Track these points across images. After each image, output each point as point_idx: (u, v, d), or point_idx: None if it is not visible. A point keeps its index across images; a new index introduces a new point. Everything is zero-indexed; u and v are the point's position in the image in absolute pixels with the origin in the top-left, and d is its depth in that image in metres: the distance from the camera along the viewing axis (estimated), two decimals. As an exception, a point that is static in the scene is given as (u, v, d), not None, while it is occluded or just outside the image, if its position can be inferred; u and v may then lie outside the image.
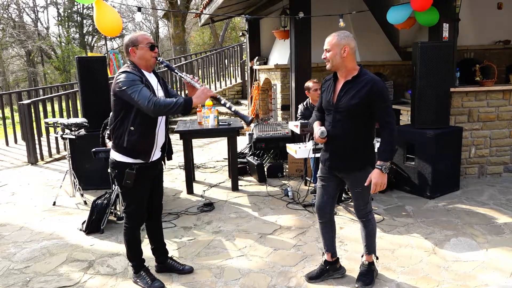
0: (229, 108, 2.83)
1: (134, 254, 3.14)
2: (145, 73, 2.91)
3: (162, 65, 3.01)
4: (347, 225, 4.13)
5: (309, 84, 5.09)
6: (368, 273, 3.07)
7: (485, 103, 5.41)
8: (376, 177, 2.76)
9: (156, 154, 3.01)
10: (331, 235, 3.15)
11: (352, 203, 3.18)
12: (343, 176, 2.98)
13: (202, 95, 2.78)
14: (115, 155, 2.94)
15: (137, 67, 2.88)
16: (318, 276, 3.15)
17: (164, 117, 2.99)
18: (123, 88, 2.73)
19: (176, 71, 3.03)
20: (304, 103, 5.22)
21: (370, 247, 3.08)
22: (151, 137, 2.93)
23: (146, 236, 3.34)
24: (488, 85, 5.40)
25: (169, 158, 3.38)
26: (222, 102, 2.84)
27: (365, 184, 2.81)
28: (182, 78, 2.95)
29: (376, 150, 2.92)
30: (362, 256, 3.15)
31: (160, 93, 2.96)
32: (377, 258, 3.14)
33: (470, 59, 7.04)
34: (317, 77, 7.67)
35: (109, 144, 4.68)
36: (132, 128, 2.83)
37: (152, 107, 2.67)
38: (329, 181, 3.02)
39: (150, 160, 2.96)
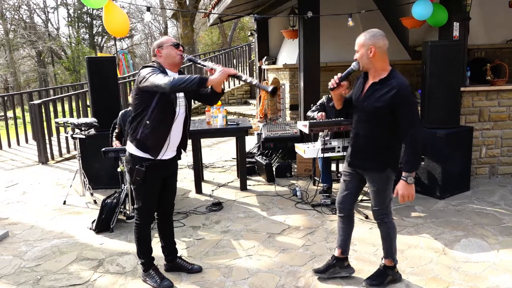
0: (251, 82, 2.89)
1: (144, 251, 3.17)
2: (169, 72, 2.96)
3: (186, 59, 3.08)
4: (357, 225, 4.09)
5: None
6: (379, 276, 3.04)
7: (496, 102, 5.35)
8: (402, 189, 2.74)
9: (167, 153, 3.04)
10: (346, 231, 3.15)
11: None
12: (363, 173, 2.98)
13: (220, 74, 2.79)
14: (129, 148, 3.03)
15: (162, 66, 2.95)
16: (324, 271, 3.15)
17: (181, 117, 3.03)
18: (146, 77, 2.81)
19: (198, 61, 3.10)
20: (330, 95, 5.13)
21: (386, 250, 3.04)
22: (164, 134, 2.97)
23: (156, 234, 3.36)
24: (499, 85, 5.34)
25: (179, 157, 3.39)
26: (243, 78, 2.89)
27: (393, 195, 2.80)
28: (204, 67, 2.99)
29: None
30: (382, 258, 3.11)
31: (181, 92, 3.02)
32: (395, 263, 3.05)
33: (481, 58, 6.97)
34: (326, 77, 7.67)
35: (116, 144, 4.74)
36: (148, 122, 2.90)
37: (170, 83, 2.72)
38: (351, 177, 3.03)
39: (159, 158, 2.99)
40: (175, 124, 3.01)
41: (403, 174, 2.73)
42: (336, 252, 3.17)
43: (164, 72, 2.89)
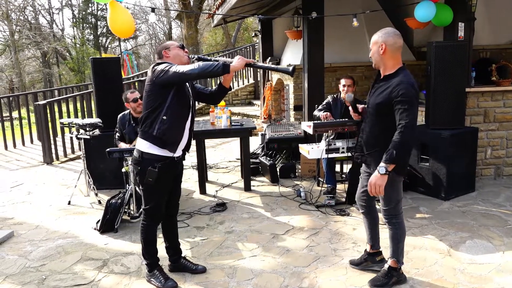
0: (268, 68, 2.97)
1: (150, 252, 3.17)
2: None
3: (195, 59, 3.11)
4: (361, 226, 4.10)
5: (341, 79, 4.99)
6: (383, 277, 3.03)
7: (502, 103, 5.33)
8: (371, 177, 2.76)
9: (178, 151, 3.06)
10: (370, 227, 3.20)
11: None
12: (370, 171, 2.99)
13: (239, 60, 2.86)
14: (142, 146, 2.97)
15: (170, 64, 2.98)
16: (358, 264, 3.29)
17: (191, 115, 3.07)
18: (164, 70, 2.84)
19: (209, 58, 3.13)
20: (335, 95, 5.14)
21: (392, 251, 3.03)
22: (181, 129, 3.01)
23: (161, 235, 3.37)
24: (504, 85, 5.31)
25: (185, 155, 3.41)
26: (259, 65, 2.97)
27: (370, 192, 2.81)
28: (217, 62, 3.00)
29: None
30: (388, 258, 3.12)
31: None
32: (400, 265, 3.04)
33: (486, 59, 6.93)
34: (330, 78, 7.67)
35: (120, 144, 4.75)
36: (164, 117, 2.90)
37: (197, 69, 2.78)
38: (367, 174, 3.07)
39: (174, 155, 3.01)
40: (188, 122, 3.06)
41: (380, 163, 2.72)
42: (367, 248, 3.26)
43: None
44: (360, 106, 3.13)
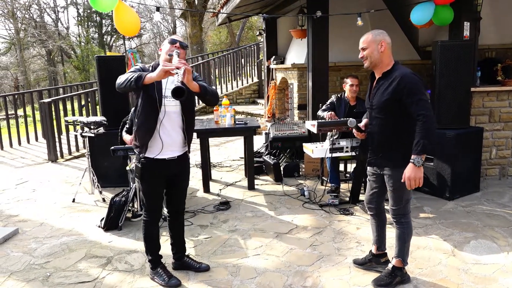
0: (178, 80, 2.62)
1: (150, 249, 3.19)
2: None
3: (167, 54, 2.90)
4: (364, 225, 4.10)
5: (346, 79, 4.99)
6: (387, 277, 3.02)
7: (507, 103, 5.30)
8: (409, 171, 2.71)
9: (165, 153, 3.00)
10: (378, 229, 3.20)
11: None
12: (381, 172, 2.98)
13: (159, 69, 2.68)
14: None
15: (157, 65, 2.95)
16: (361, 264, 3.29)
17: (172, 117, 2.96)
18: None
19: (174, 56, 2.84)
20: (339, 94, 5.13)
21: (398, 250, 3.03)
22: (147, 133, 2.95)
23: (165, 232, 3.37)
24: (510, 85, 5.29)
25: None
26: (176, 76, 2.67)
27: (401, 181, 2.77)
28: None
29: None
30: (392, 258, 3.11)
31: (169, 85, 2.88)
32: (405, 265, 3.04)
33: (491, 59, 6.89)
34: (335, 77, 7.65)
35: (125, 137, 4.74)
36: (136, 120, 2.99)
37: (117, 84, 2.77)
38: (375, 176, 3.07)
39: (152, 157, 2.98)
40: (167, 124, 2.96)
41: (412, 156, 2.69)
42: (373, 249, 3.26)
43: (141, 70, 2.89)
44: (362, 125, 3.08)
